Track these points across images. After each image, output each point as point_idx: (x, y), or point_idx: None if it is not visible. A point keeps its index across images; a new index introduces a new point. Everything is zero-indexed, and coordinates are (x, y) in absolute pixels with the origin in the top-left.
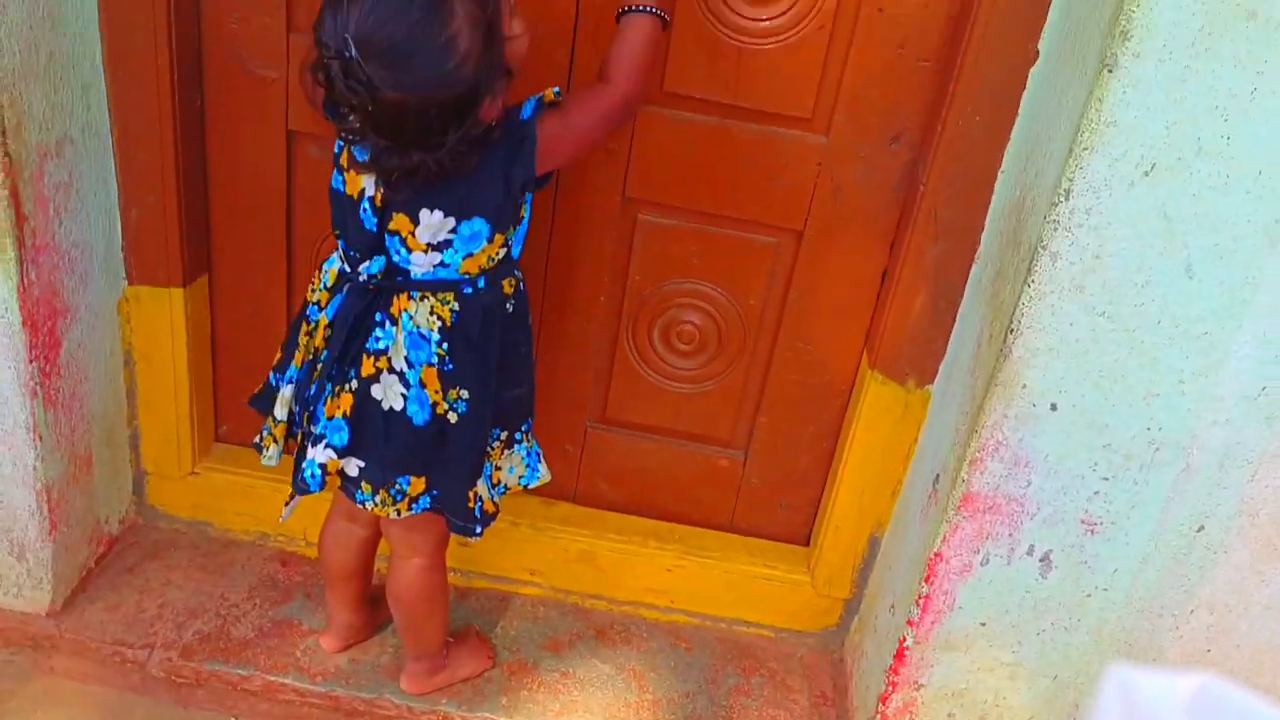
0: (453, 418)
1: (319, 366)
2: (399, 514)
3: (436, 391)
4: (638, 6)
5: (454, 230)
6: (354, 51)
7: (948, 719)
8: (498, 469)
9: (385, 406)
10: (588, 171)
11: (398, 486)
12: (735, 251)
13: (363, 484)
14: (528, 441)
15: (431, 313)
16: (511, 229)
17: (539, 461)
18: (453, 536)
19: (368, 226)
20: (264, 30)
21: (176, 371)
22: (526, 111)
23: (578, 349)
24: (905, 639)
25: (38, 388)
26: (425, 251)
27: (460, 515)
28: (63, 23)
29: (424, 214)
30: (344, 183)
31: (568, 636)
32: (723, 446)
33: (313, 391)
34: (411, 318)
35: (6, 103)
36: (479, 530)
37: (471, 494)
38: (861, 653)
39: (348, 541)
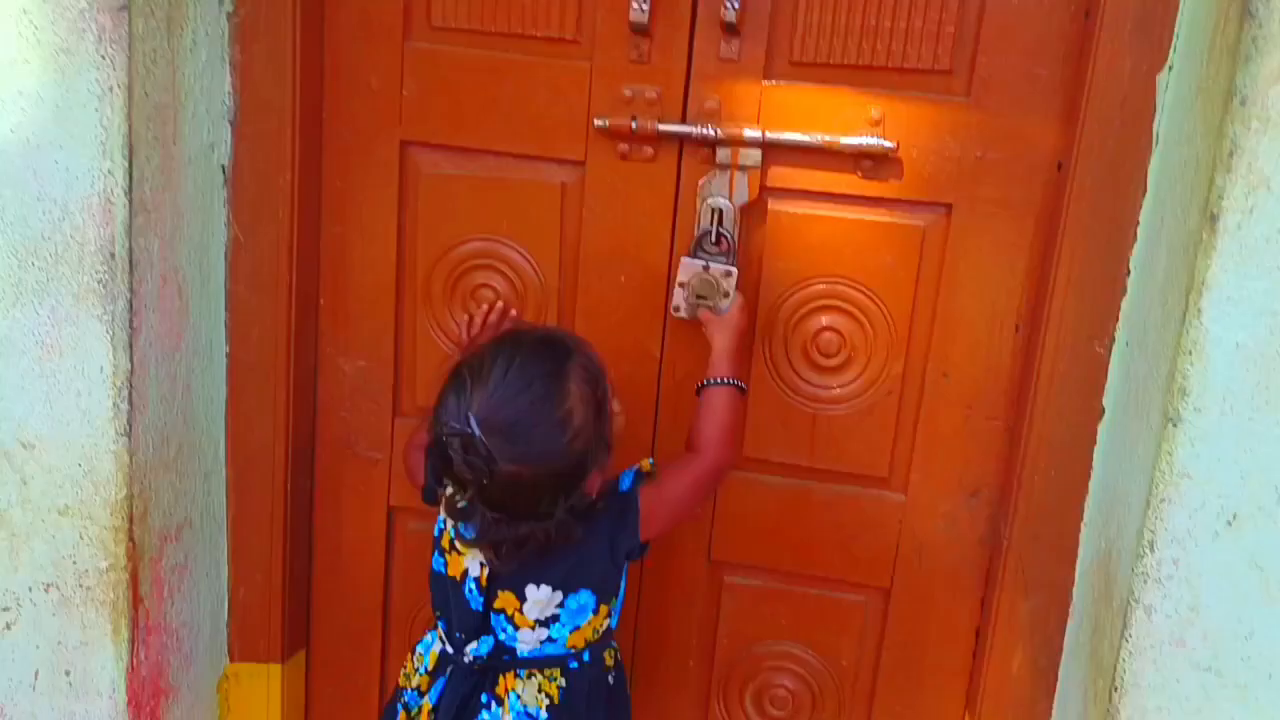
0: None
1: None
2: None
3: None
4: (717, 379)
5: (561, 604)
6: (477, 428)
7: None
8: None
9: None
10: (674, 535)
11: None
12: (823, 611)
13: None
14: None
15: (540, 690)
16: (614, 600)
17: None
18: None
19: (473, 606)
20: (372, 416)
21: None
22: (625, 483)
23: (668, 717)
24: None
25: None
26: (533, 628)
27: None
28: (193, 418)
29: (530, 589)
30: (445, 564)
31: None
32: None
33: None
34: (519, 697)
35: (136, 492)
36: None
37: None
38: None
39: None
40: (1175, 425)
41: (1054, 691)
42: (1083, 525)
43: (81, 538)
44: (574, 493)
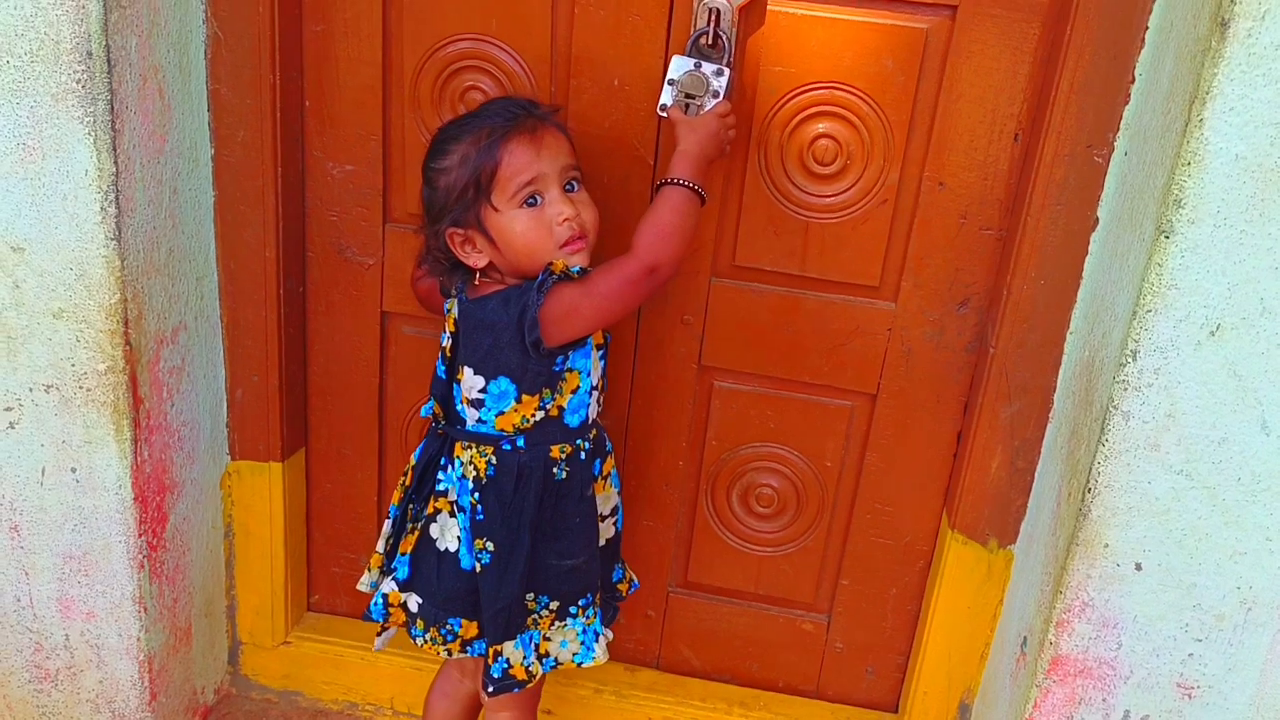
0: (477, 568)
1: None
2: (450, 654)
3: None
4: (669, 179)
5: (484, 390)
6: None
7: None
8: (546, 639)
9: (440, 547)
10: (664, 341)
11: (449, 627)
12: (810, 415)
13: (419, 620)
14: (585, 618)
15: (471, 463)
16: (548, 393)
17: (596, 641)
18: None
19: (440, 374)
20: (361, 221)
21: (273, 542)
22: (539, 278)
23: (658, 513)
24: None
25: (145, 561)
26: (470, 406)
27: (483, 672)
28: (182, 222)
29: (465, 370)
30: (444, 335)
31: None
32: (805, 610)
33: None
34: (461, 463)
35: (130, 296)
36: (490, 690)
37: (492, 651)
38: None
39: (456, 693)
40: (1168, 237)
41: (1030, 491)
42: (1068, 334)
43: (78, 340)
44: (429, 218)
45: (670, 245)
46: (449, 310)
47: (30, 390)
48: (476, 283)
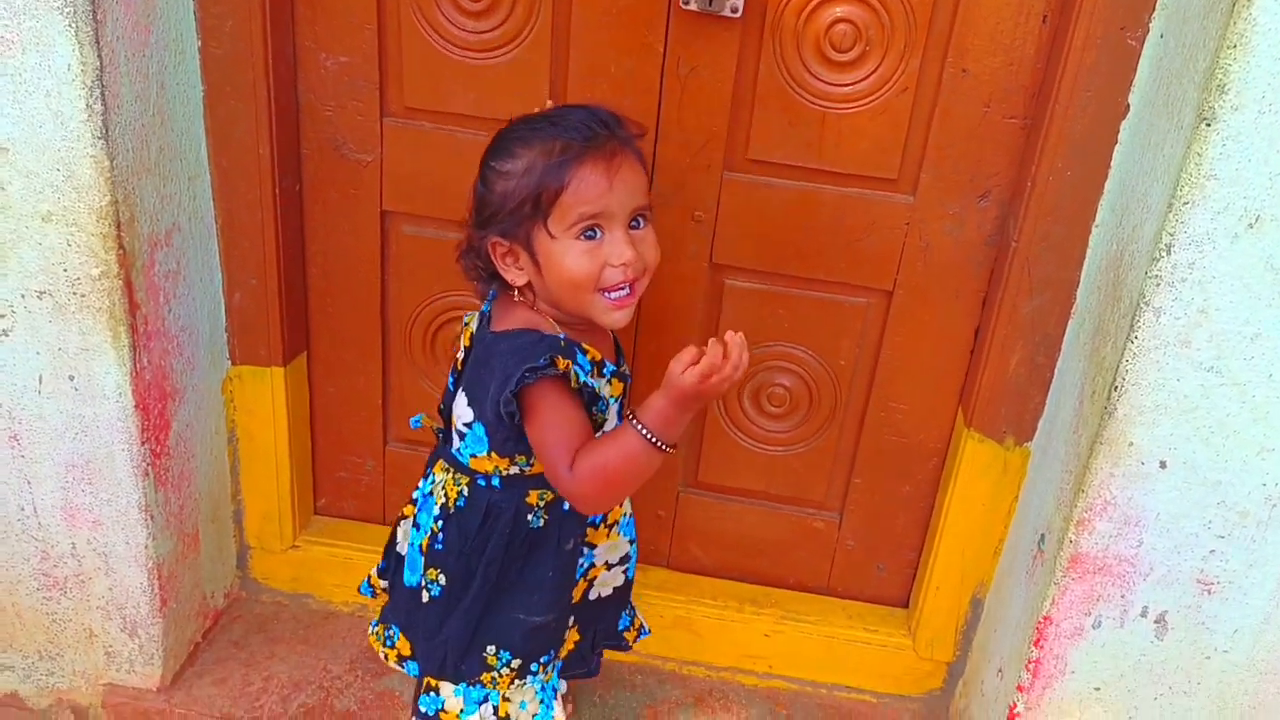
0: (425, 596)
1: None
2: (386, 659)
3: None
4: (636, 421)
5: (469, 424)
6: None
7: None
8: (506, 700)
9: (400, 551)
10: (675, 238)
11: (390, 632)
12: (824, 313)
13: (380, 610)
14: (544, 674)
15: (443, 487)
16: (523, 459)
17: (554, 699)
18: None
19: (450, 385)
20: (358, 116)
21: (277, 447)
22: (540, 359)
23: None
24: (1015, 705)
25: (149, 468)
26: (455, 431)
27: (415, 695)
28: (171, 119)
29: (462, 394)
30: (462, 348)
31: (666, 705)
32: (817, 508)
33: None
34: (433, 484)
35: (121, 197)
36: (414, 718)
37: (424, 682)
38: (969, 718)
39: None
40: (1209, 124)
41: (1049, 388)
42: (1095, 226)
43: (69, 244)
44: (476, 221)
45: (607, 494)
46: (467, 323)
47: (22, 297)
48: (516, 298)
